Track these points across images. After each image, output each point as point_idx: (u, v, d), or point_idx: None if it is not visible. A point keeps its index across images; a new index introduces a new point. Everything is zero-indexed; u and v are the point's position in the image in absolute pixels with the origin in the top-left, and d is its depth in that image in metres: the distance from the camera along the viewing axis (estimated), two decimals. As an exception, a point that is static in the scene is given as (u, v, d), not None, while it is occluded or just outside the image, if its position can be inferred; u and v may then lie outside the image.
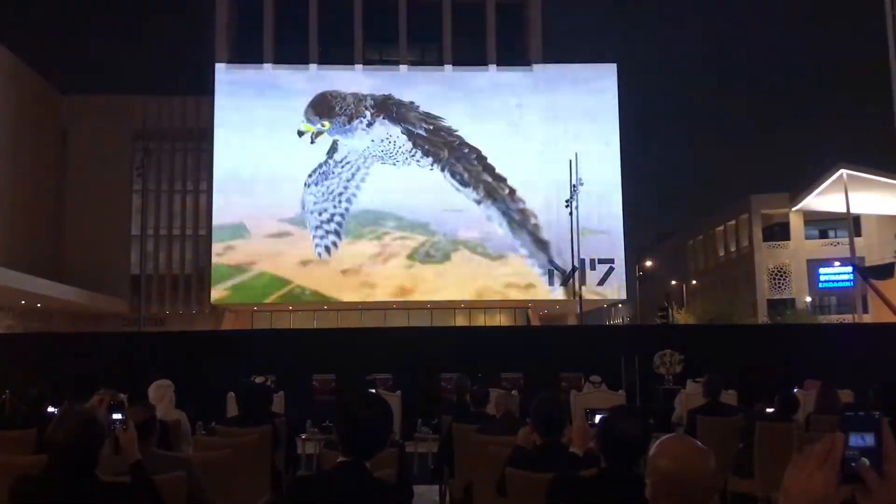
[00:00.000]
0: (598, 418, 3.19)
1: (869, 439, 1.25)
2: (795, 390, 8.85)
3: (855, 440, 1.25)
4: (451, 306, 40.71)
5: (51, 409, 6.38)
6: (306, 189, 39.71)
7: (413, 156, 40.11)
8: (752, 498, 6.48)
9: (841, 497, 1.22)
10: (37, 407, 6.25)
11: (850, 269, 40.48)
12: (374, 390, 8.36)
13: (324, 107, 39.79)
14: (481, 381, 9.37)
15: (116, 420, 3.53)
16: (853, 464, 1.23)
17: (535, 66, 41.21)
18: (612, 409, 2.92)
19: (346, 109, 39.82)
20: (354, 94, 40.05)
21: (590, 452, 3.50)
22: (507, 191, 40.17)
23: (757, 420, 6.53)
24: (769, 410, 6.88)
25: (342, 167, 39.81)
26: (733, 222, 54.63)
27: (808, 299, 49.03)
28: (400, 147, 40.05)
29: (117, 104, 44.91)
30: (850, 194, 40.18)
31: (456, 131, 40.25)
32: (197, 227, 45.84)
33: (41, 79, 44.06)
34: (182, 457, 4.12)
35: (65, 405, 4.97)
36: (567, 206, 29.46)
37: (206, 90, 41.01)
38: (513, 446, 4.19)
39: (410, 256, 39.63)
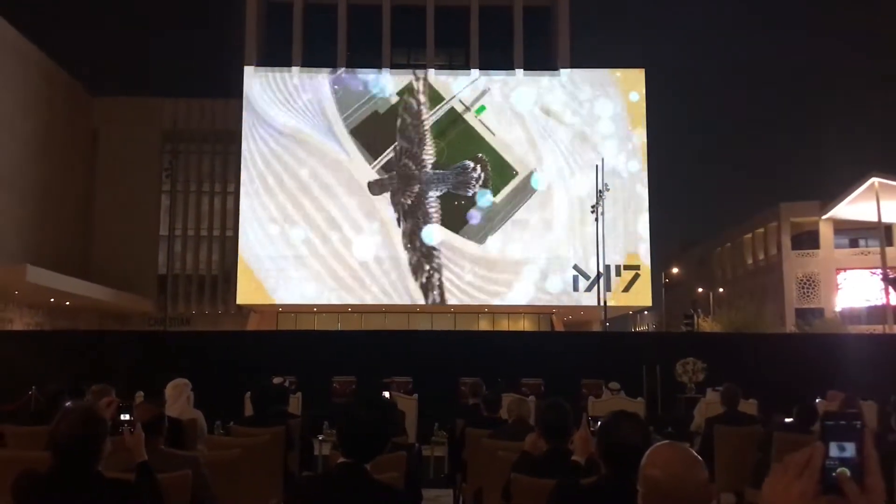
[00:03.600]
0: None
1: (850, 449, 1.21)
2: (818, 401, 8.72)
3: (835, 450, 1.22)
4: (474, 310, 40.66)
5: (68, 404, 6.42)
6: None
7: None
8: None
9: None
10: (53, 403, 6.30)
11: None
12: (387, 393, 8.35)
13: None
14: (501, 385, 9.33)
15: (124, 421, 3.56)
16: (833, 474, 1.20)
17: (563, 71, 41.09)
18: (612, 415, 2.89)
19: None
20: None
21: (591, 460, 3.46)
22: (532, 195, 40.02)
23: (775, 430, 6.44)
24: (788, 421, 6.78)
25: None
26: (762, 230, 54.04)
27: (838, 309, 48.36)
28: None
29: (147, 106, 45.47)
30: (881, 203, 39.62)
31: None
32: (224, 228, 46.23)
33: (73, 80, 44.70)
34: (189, 456, 4.13)
35: (75, 401, 5.01)
36: (593, 212, 29.32)
37: (234, 93, 41.37)
38: (520, 452, 4.16)
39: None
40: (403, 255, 39.42)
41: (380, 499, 2.66)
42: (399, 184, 39.47)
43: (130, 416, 3.60)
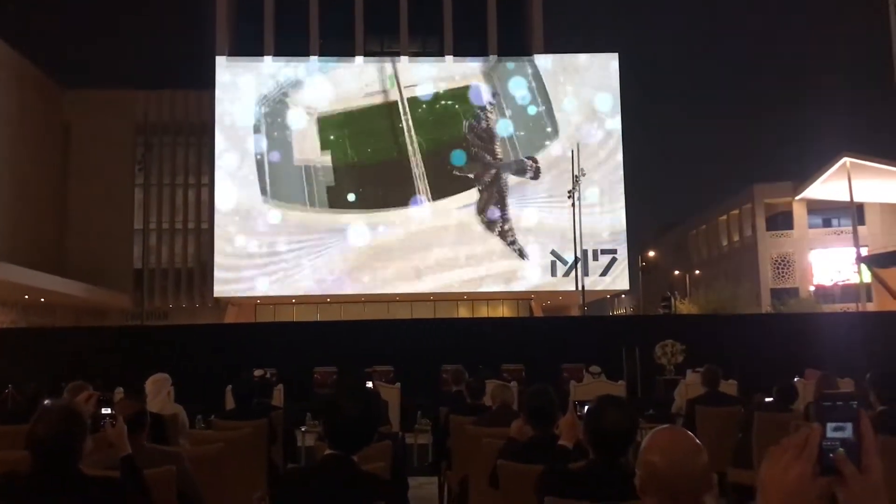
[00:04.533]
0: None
1: (847, 430, 1.21)
2: (796, 379, 8.81)
3: (832, 431, 1.21)
4: (454, 298, 40.70)
5: (46, 402, 6.35)
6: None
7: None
8: (751, 488, 6.44)
9: (818, 489, 1.19)
10: (34, 402, 6.22)
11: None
12: (370, 383, 8.33)
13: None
14: (482, 372, 9.34)
15: (105, 414, 3.51)
16: (830, 455, 1.19)
17: (537, 57, 41.07)
18: (599, 400, 2.88)
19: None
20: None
21: (578, 445, 3.47)
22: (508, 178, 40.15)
23: (756, 410, 6.50)
24: (768, 400, 6.84)
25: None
26: (736, 212, 54.50)
27: (812, 288, 48.94)
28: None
29: (119, 98, 44.95)
30: (853, 182, 40.04)
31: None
32: (199, 221, 45.91)
33: (43, 74, 44.06)
34: (173, 451, 4.09)
35: (54, 400, 4.95)
36: (569, 197, 29.40)
37: (206, 84, 40.95)
38: (506, 438, 4.17)
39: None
40: (391, 241, 39.22)
41: (368, 489, 2.65)
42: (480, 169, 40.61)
43: (112, 410, 3.55)
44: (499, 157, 40.58)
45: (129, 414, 3.71)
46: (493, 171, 40.40)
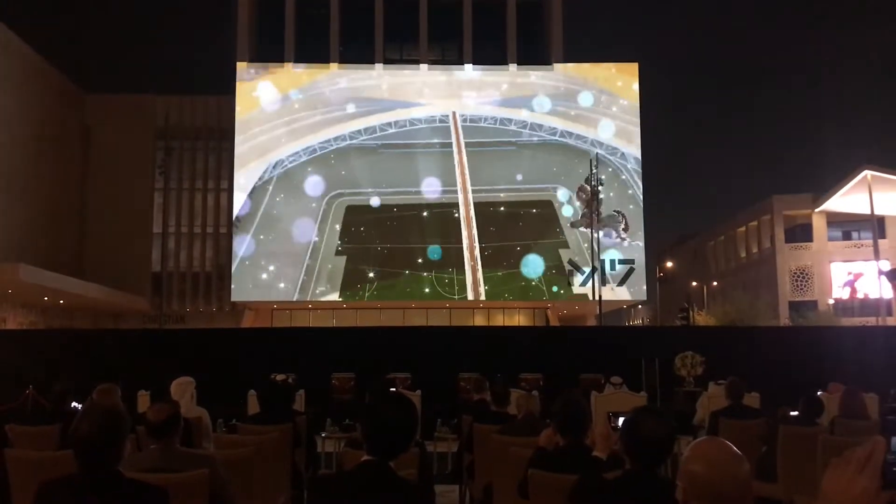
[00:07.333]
0: (621, 421, 3.15)
1: None
2: (819, 393, 8.75)
3: None
4: (469, 306, 40.67)
5: (74, 404, 6.40)
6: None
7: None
8: (775, 502, 6.40)
9: (882, 502, 1.19)
10: (60, 403, 6.27)
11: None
12: (394, 389, 8.35)
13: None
14: (500, 381, 9.33)
15: None
16: (895, 469, 1.20)
17: (556, 66, 41.06)
18: (637, 410, 2.89)
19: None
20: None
21: (613, 455, 3.46)
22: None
23: (781, 423, 6.45)
24: (793, 414, 6.79)
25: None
26: (755, 223, 54.16)
27: (831, 301, 48.54)
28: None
29: (140, 103, 45.33)
30: (874, 195, 39.75)
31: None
32: (218, 225, 46.13)
33: (65, 78, 44.48)
34: (206, 454, 4.12)
35: (89, 400, 4.99)
36: (586, 207, 29.36)
37: (227, 89, 41.24)
38: (535, 447, 4.16)
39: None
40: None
41: (406, 496, 2.66)
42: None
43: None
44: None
45: (163, 417, 3.75)
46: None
